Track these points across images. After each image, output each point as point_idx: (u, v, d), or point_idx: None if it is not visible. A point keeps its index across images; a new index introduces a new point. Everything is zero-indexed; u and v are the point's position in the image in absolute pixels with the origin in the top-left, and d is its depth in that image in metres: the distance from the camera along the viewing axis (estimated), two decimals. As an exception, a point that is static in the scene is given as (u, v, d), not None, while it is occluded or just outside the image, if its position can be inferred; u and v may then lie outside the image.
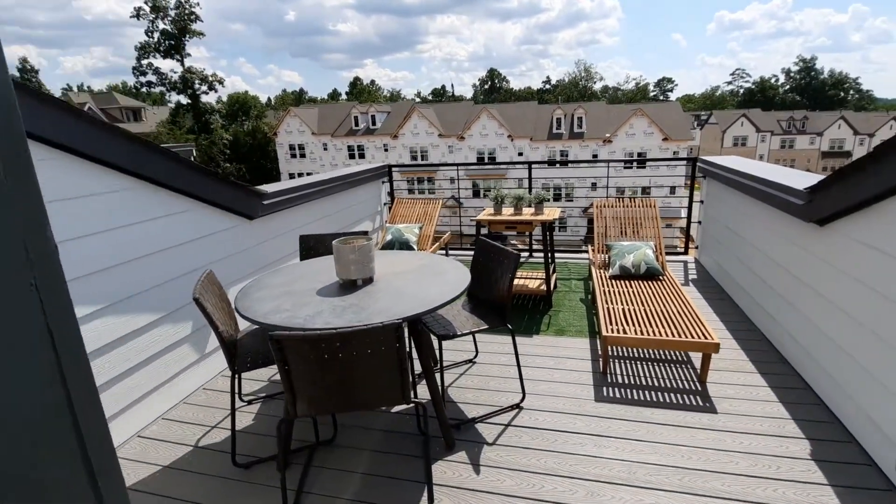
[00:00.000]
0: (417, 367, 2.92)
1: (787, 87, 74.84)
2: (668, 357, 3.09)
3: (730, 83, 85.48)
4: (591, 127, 31.66)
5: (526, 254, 5.67)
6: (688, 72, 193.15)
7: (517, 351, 2.64)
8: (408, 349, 2.22)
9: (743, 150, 47.60)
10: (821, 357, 2.61)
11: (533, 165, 5.67)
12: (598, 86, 77.27)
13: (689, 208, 5.25)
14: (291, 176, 37.16)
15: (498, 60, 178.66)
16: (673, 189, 29.41)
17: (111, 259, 2.42)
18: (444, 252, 5.66)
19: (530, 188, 5.42)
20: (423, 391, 2.83)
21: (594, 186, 29.71)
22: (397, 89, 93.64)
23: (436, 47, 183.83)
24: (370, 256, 2.36)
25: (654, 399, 2.66)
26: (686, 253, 5.34)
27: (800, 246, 2.86)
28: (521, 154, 32.15)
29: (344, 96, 78.07)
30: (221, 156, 40.17)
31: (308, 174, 35.81)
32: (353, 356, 1.74)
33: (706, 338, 2.71)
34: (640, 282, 3.73)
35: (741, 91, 79.19)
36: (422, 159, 33.77)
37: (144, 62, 39.00)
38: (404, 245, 4.74)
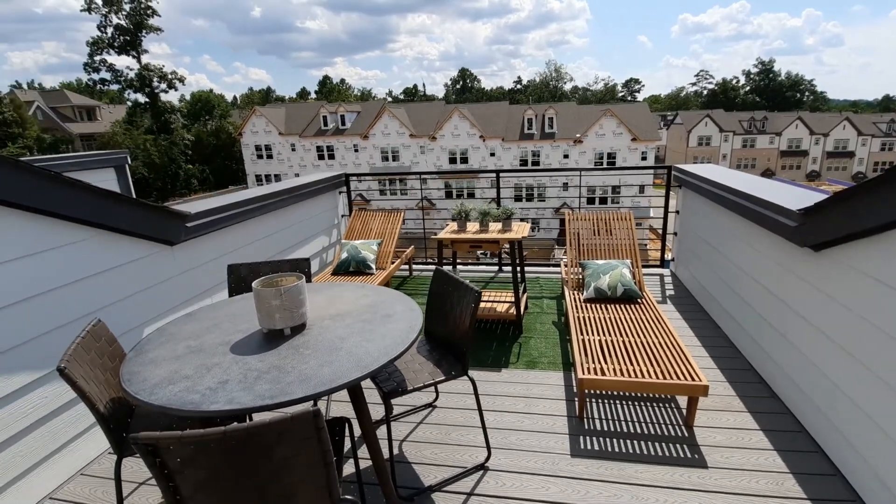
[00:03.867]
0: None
1: (748, 88, 77.45)
2: (651, 395, 2.77)
3: (694, 84, 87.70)
4: (562, 127, 31.77)
5: (495, 268, 5.32)
6: (653, 73, 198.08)
7: (480, 403, 2.26)
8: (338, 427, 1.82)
9: (707, 149, 48.92)
10: (816, 397, 2.33)
11: (501, 174, 5.30)
12: (568, 86, 78.16)
13: (665, 219, 5.00)
14: (258, 177, 35.92)
15: (469, 60, 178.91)
16: (642, 188, 29.82)
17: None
18: (406, 268, 5.25)
19: (498, 200, 5.07)
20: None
21: (566, 186, 29.81)
22: (368, 88, 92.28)
23: (407, 46, 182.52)
24: (300, 300, 1.93)
25: (638, 451, 2.32)
26: (661, 265, 5.10)
27: (791, 271, 2.59)
28: (492, 154, 31.97)
29: (313, 95, 76.37)
30: (183, 157, 38.47)
31: (275, 175, 34.96)
32: (257, 454, 1.32)
33: (694, 379, 2.40)
34: (617, 305, 3.42)
35: (705, 92, 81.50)
36: (393, 160, 33.17)
37: (97, 58, 36.97)
38: (361, 263, 4.31)
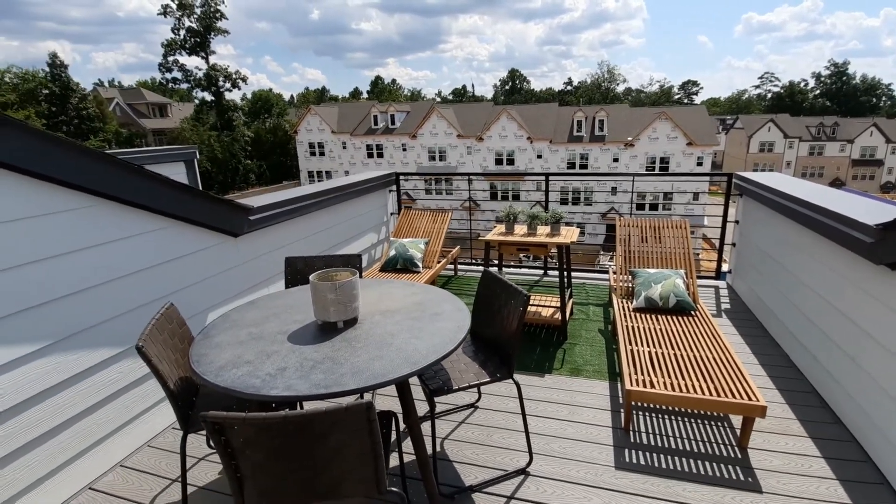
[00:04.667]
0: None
1: (817, 91, 72.13)
2: (703, 412, 2.66)
3: (757, 87, 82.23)
4: (613, 130, 30.87)
5: (539, 272, 5.27)
6: (713, 74, 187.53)
7: (524, 408, 2.26)
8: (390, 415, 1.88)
9: (769, 155, 46.02)
10: (888, 428, 2.16)
11: (550, 177, 5.23)
12: (621, 88, 75.72)
13: (723, 229, 4.76)
14: (310, 174, 37.24)
15: (519, 61, 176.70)
16: (696, 195, 28.46)
17: (64, 288, 2.12)
18: (451, 268, 5.30)
19: (546, 204, 5.01)
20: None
21: (614, 191, 28.95)
22: (418, 89, 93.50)
23: (457, 47, 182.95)
24: (354, 295, 2.01)
25: (686, 469, 2.24)
26: (717, 277, 4.87)
27: (864, 290, 2.41)
28: (539, 156, 31.54)
29: (365, 95, 78.24)
30: (242, 152, 40.49)
31: (326, 172, 36.09)
32: (311, 440, 1.39)
33: (751, 398, 2.28)
34: (669, 317, 3.30)
35: (769, 95, 76.61)
36: (440, 160, 33.43)
37: (170, 59, 39.48)
38: (408, 262, 4.39)
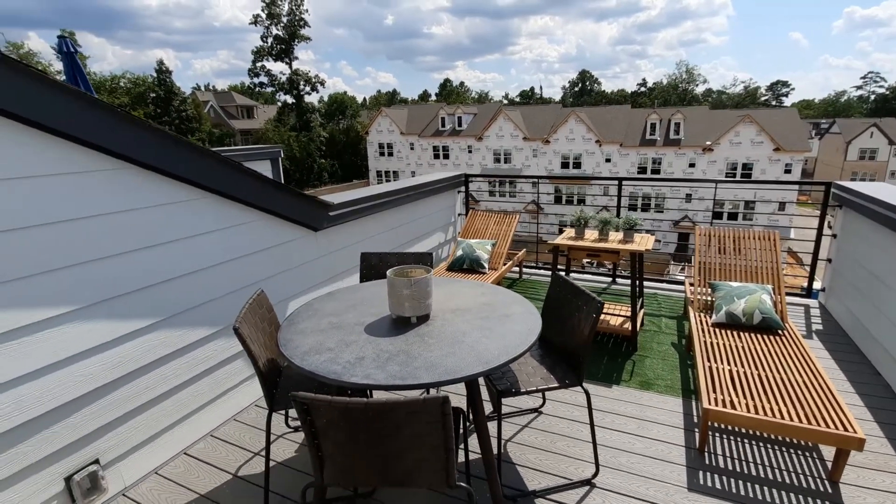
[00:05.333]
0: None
1: (934, 92, 63.38)
2: (789, 440, 2.46)
3: (859, 88, 73.43)
4: (690, 133, 29.06)
5: (608, 279, 5.10)
6: (807, 74, 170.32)
7: (592, 417, 2.22)
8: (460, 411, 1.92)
9: (870, 164, 41.09)
10: None
11: (623, 182, 5.05)
12: (700, 89, 71.01)
13: (817, 243, 4.36)
14: (379, 173, 38.51)
15: (590, 62, 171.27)
16: (782, 205, 26.06)
17: (175, 270, 2.38)
18: (517, 271, 5.28)
19: (619, 209, 4.85)
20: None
21: (689, 198, 27.26)
22: (485, 91, 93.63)
23: (526, 49, 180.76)
24: (427, 292, 2.08)
25: (768, 499, 2.09)
26: (808, 296, 4.46)
27: None
28: (608, 160, 30.40)
29: (433, 97, 79.58)
30: (318, 152, 42.73)
31: (394, 172, 37.12)
32: (388, 428, 1.46)
33: (847, 428, 2.09)
34: (753, 334, 3.08)
35: (872, 97, 68.40)
36: (504, 162, 33.25)
37: (258, 65, 42.53)
38: (475, 262, 4.44)
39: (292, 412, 2.79)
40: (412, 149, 36.69)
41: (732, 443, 2.45)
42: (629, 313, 3.63)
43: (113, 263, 2.13)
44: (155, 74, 36.81)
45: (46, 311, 1.92)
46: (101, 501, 2.16)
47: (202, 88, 59.63)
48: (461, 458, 2.34)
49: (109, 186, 2.09)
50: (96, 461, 2.14)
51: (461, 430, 2.26)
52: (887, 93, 65.90)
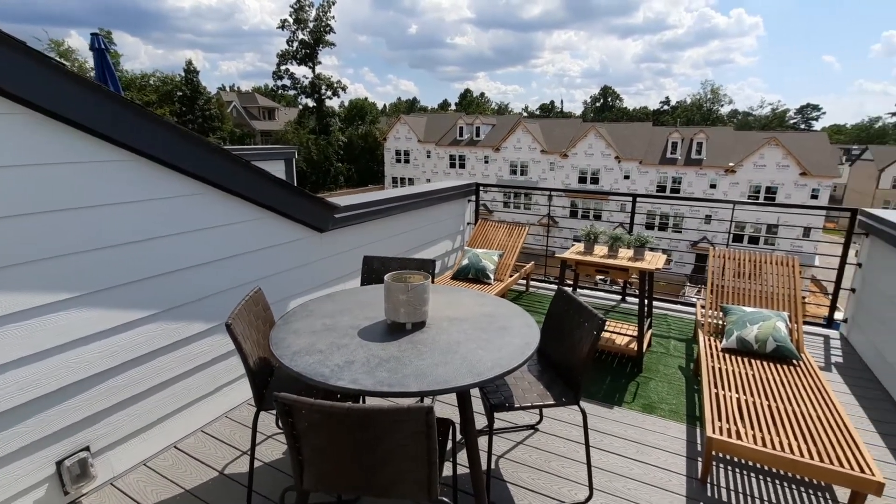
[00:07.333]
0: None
1: (977, 122, 61.42)
2: (799, 477, 2.33)
3: (894, 114, 71.94)
4: (713, 153, 28.62)
5: (617, 297, 4.98)
6: (839, 98, 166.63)
7: (588, 438, 2.13)
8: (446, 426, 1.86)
9: (906, 193, 39.91)
10: None
11: (638, 198, 4.94)
12: (725, 109, 70.08)
13: (840, 271, 4.19)
14: (394, 179, 38.77)
15: (613, 78, 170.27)
16: (807, 230, 25.42)
17: (174, 263, 2.38)
18: (523, 283, 5.19)
19: (631, 226, 4.75)
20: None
21: (708, 219, 26.79)
22: (505, 102, 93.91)
23: (549, 62, 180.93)
24: (424, 298, 2.03)
25: (773, 538, 1.97)
26: (829, 326, 4.28)
27: None
28: (627, 177, 30.10)
29: (453, 107, 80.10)
30: (335, 156, 43.24)
31: (409, 179, 37.34)
32: (371, 435, 1.41)
33: (864, 470, 1.96)
34: (765, 362, 2.95)
35: (910, 124, 66.63)
36: (521, 174, 33.18)
37: (283, 68, 43.36)
38: (480, 272, 4.37)
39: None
40: (429, 157, 36.87)
41: (738, 475, 2.33)
42: (636, 333, 3.52)
43: (117, 252, 2.14)
44: (183, 74, 37.77)
45: (51, 295, 1.94)
46: (89, 489, 2.15)
47: (227, 89, 60.96)
48: (449, 471, 2.27)
49: (117, 176, 2.10)
50: (87, 448, 2.13)
51: (453, 443, 2.19)
52: (925, 119, 64.15)
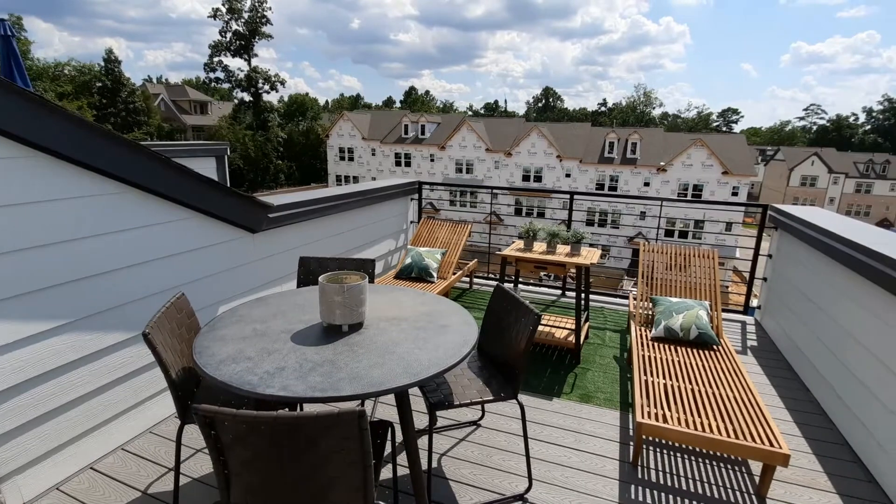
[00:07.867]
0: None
1: (868, 127, 69.45)
2: (719, 454, 2.51)
3: (802, 119, 79.65)
4: (646, 153, 30.40)
5: (557, 292, 5.15)
6: (756, 104, 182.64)
7: (526, 431, 2.17)
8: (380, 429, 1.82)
9: (811, 190, 44.49)
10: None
11: (575, 196, 5.13)
12: (657, 112, 74.60)
13: (754, 262, 4.57)
14: (339, 178, 37.90)
15: (554, 79, 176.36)
16: (729, 225, 27.64)
17: (85, 269, 2.16)
18: (467, 280, 5.24)
19: (569, 223, 4.92)
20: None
21: (643, 216, 28.39)
22: (450, 101, 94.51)
23: (493, 62, 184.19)
24: (361, 299, 1.98)
25: (696, 513, 2.11)
26: (745, 313, 4.66)
27: (906, 338, 2.24)
28: (568, 175, 31.28)
29: (398, 104, 79.52)
30: (275, 153, 41.58)
31: (354, 177, 36.66)
32: (301, 443, 1.35)
33: (773, 444, 2.14)
34: (689, 349, 3.16)
35: (814, 128, 74.21)
36: (467, 172, 33.54)
37: (215, 59, 41.11)
38: (423, 271, 4.36)
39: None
40: (374, 155, 36.40)
41: (665, 457, 2.47)
42: (574, 326, 3.64)
43: (12, 260, 1.91)
44: (102, 63, 34.85)
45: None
46: (-12, 522, 1.91)
47: (154, 81, 56.96)
48: (390, 473, 2.23)
49: (10, 175, 1.87)
50: (-12, 475, 1.90)
51: (393, 445, 2.16)
52: (828, 124, 71.52)
